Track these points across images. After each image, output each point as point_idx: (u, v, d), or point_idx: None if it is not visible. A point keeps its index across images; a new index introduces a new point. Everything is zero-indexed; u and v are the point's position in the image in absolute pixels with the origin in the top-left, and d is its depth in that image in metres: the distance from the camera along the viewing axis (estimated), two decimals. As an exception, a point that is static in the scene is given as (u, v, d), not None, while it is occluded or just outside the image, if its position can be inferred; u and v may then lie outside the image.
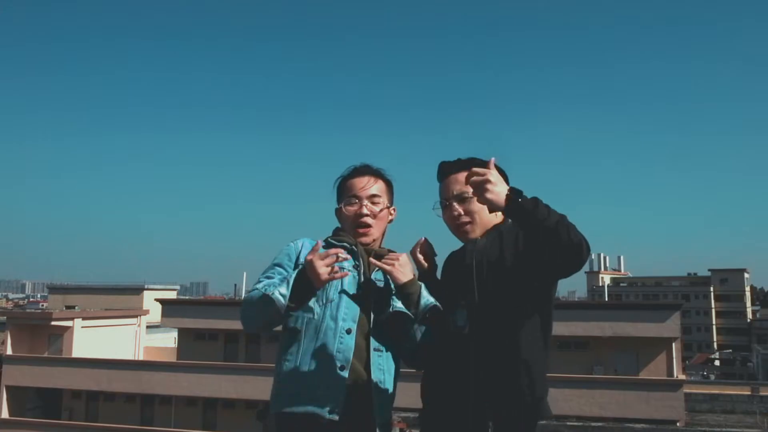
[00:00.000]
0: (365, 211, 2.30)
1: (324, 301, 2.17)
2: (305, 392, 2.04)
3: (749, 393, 25.54)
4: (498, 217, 2.21)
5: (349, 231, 2.32)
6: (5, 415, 26.02)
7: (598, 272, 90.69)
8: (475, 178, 1.90)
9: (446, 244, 2.34)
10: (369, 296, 2.20)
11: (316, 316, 2.14)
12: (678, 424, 20.09)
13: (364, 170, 2.38)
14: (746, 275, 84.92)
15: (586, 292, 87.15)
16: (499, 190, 1.87)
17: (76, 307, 33.36)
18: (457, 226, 2.22)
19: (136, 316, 30.79)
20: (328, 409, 2.01)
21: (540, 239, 1.87)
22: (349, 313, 2.14)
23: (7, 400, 26.36)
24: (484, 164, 1.97)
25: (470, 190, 1.98)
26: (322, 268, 2.01)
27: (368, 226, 2.31)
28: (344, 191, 2.36)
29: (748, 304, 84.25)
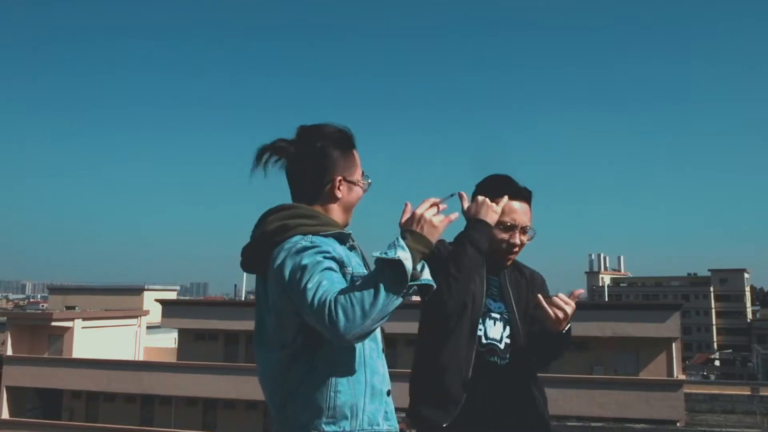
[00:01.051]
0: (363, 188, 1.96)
1: None
2: (365, 426, 1.77)
3: (749, 393, 25.55)
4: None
5: (346, 215, 1.93)
6: (5, 415, 26.02)
7: (598, 272, 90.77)
8: (565, 308, 2.11)
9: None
10: None
11: None
12: (678, 424, 20.09)
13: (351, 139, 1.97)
14: (746, 275, 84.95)
15: (586, 292, 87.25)
16: (565, 322, 2.13)
17: (77, 308, 33.35)
18: (507, 252, 2.29)
19: (136, 317, 30.80)
20: None
21: (549, 349, 2.24)
22: (378, 331, 1.85)
23: (8, 400, 26.37)
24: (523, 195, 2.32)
25: (531, 225, 2.32)
26: (437, 217, 1.73)
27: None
28: (346, 162, 1.90)
29: (748, 304, 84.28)
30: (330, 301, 1.60)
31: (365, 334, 1.65)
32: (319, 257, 1.71)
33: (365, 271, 1.82)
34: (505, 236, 2.25)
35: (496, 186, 2.30)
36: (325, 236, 1.79)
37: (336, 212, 1.91)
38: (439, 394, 2.19)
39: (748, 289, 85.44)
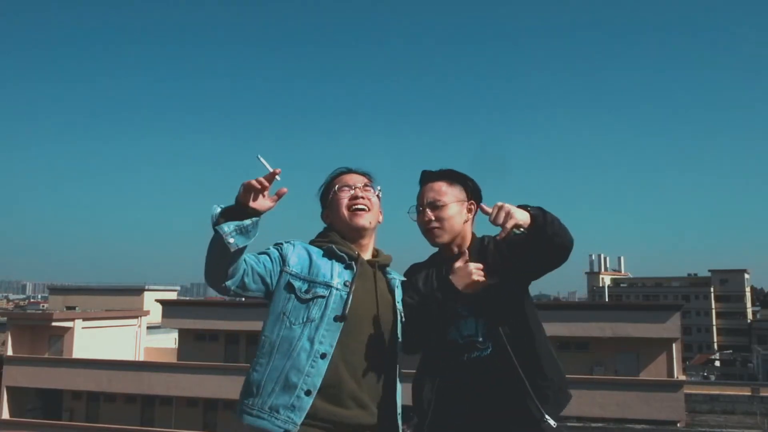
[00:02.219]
0: (360, 194, 2.24)
1: (304, 320, 2.05)
2: (266, 408, 1.99)
3: (749, 394, 25.53)
4: (461, 223, 2.32)
5: (341, 224, 2.23)
6: (6, 415, 26.02)
7: (599, 273, 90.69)
8: (495, 212, 1.98)
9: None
10: (383, 313, 2.15)
11: (293, 333, 2.04)
12: (678, 424, 20.09)
13: (354, 170, 2.33)
14: (746, 276, 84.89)
15: (586, 292, 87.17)
16: (520, 213, 1.98)
17: (77, 308, 33.36)
18: (427, 231, 2.31)
19: (136, 317, 30.80)
20: (282, 430, 1.95)
21: (545, 244, 2.05)
22: (327, 337, 2.03)
23: (8, 400, 26.37)
24: (460, 176, 2.33)
25: (444, 198, 2.28)
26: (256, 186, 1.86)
27: (364, 208, 2.22)
28: (332, 188, 2.28)
29: (749, 304, 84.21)
30: None
31: (210, 280, 1.99)
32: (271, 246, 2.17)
33: (325, 278, 2.10)
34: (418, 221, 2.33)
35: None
36: (313, 244, 2.22)
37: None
38: (415, 399, 2.25)
39: (748, 289, 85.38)
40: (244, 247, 1.90)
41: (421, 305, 2.22)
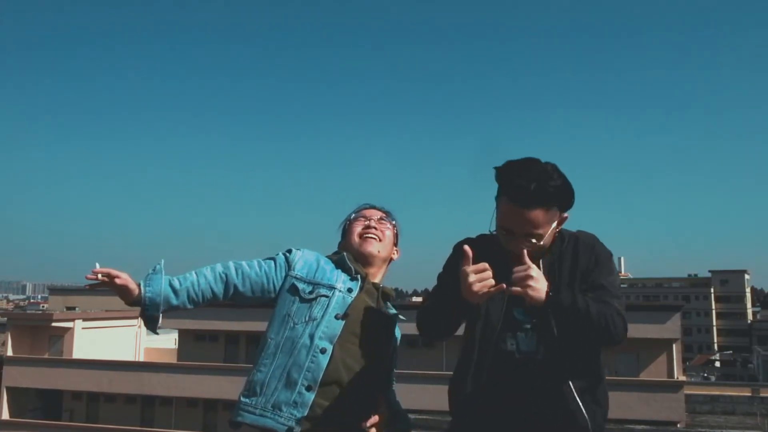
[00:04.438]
0: (373, 224, 2.33)
1: (306, 319, 2.12)
2: (269, 407, 2.03)
3: (750, 394, 25.50)
4: (551, 238, 1.99)
5: (352, 250, 2.31)
6: (6, 416, 26.03)
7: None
8: (518, 273, 1.78)
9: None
10: (381, 329, 2.21)
11: (295, 332, 2.10)
12: (678, 425, 20.09)
13: (374, 207, 2.44)
14: (747, 276, 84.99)
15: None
16: (540, 286, 1.78)
17: (77, 309, 33.36)
18: (517, 255, 1.92)
19: (136, 318, 30.76)
20: (286, 427, 1.99)
21: (579, 331, 1.87)
22: (327, 333, 2.09)
23: (8, 401, 26.37)
24: (558, 192, 1.87)
25: (541, 230, 1.87)
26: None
27: (375, 237, 2.31)
28: (349, 222, 2.40)
29: (749, 305, 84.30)
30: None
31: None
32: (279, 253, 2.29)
33: (329, 281, 2.18)
34: (508, 241, 1.92)
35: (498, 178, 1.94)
36: (329, 257, 2.31)
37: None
38: (458, 405, 2.05)
39: (748, 290, 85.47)
40: (175, 305, 2.13)
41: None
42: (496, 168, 1.94)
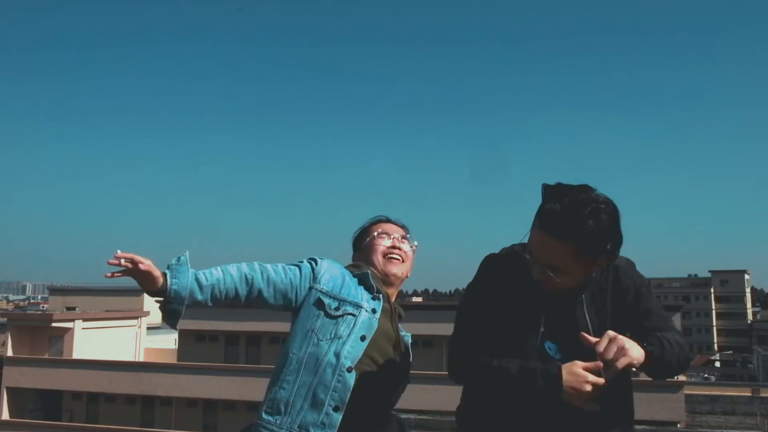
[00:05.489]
0: (398, 244, 2.27)
1: (331, 336, 2.04)
2: (295, 427, 1.96)
3: (750, 394, 25.50)
4: (583, 279, 1.79)
5: (376, 264, 2.24)
6: (5, 416, 26.02)
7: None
8: (605, 345, 1.57)
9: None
10: (397, 352, 2.15)
11: (320, 349, 2.02)
12: (678, 425, 20.10)
13: (393, 221, 2.37)
14: (747, 276, 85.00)
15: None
16: (635, 350, 1.59)
17: (77, 309, 33.36)
18: (544, 293, 1.79)
19: (136, 318, 30.82)
20: None
21: (657, 377, 1.81)
22: (352, 352, 2.01)
23: (8, 401, 26.37)
24: (588, 231, 1.62)
25: (562, 265, 1.67)
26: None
27: (399, 258, 2.26)
28: (370, 233, 2.31)
29: (749, 305, 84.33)
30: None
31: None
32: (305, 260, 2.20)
33: (355, 299, 2.11)
34: (530, 265, 1.76)
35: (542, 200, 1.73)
36: (351, 272, 2.21)
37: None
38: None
39: (748, 290, 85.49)
40: (200, 299, 2.04)
41: (503, 323, 1.78)
42: (544, 185, 1.71)
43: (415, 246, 2.35)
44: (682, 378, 23.93)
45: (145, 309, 33.05)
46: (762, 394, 24.93)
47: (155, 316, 30.11)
